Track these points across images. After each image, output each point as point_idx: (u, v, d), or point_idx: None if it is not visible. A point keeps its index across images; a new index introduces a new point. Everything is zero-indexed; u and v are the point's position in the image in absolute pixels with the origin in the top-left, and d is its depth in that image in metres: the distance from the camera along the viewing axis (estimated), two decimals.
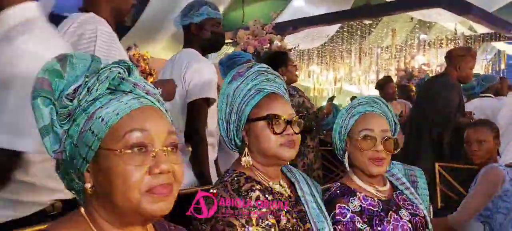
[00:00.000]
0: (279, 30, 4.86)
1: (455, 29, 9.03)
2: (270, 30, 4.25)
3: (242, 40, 4.10)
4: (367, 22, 9.07)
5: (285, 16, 7.67)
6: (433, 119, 3.39)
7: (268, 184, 1.36)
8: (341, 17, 7.87)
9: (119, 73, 0.85)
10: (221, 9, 6.89)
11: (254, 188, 1.29)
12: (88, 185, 0.83)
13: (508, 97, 3.93)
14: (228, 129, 1.40)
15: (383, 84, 5.27)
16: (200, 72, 2.18)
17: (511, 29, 7.71)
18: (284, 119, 1.33)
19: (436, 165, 2.87)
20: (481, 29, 8.50)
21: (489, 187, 2.29)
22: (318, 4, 8.04)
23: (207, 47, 2.31)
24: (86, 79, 0.83)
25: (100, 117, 0.82)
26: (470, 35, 9.20)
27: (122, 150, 0.80)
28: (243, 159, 1.36)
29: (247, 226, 1.20)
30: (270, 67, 1.46)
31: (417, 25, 9.44)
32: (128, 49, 4.56)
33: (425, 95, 3.73)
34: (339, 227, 1.47)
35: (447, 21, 8.39)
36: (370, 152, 1.54)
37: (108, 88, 0.84)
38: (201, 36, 2.26)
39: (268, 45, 4.13)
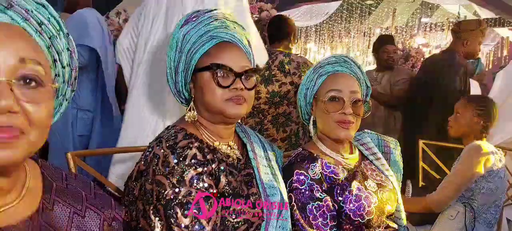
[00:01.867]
0: (273, 1, 4.63)
1: (458, 13, 8.77)
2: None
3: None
4: (368, 2, 8.81)
5: None
6: (434, 102, 3.18)
7: (213, 143, 1.20)
8: None
9: None
10: None
11: (191, 145, 1.12)
12: None
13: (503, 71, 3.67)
14: (176, 79, 1.23)
15: (378, 47, 4.07)
16: None
17: None
18: (233, 71, 1.16)
19: (420, 142, 2.70)
20: (485, 14, 8.26)
21: (471, 167, 2.12)
22: None
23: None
24: None
25: None
26: (474, 19, 8.95)
27: None
28: (188, 113, 1.21)
29: (178, 186, 1.05)
30: (231, 14, 1.28)
31: (419, 7, 9.17)
32: (118, 13, 4.41)
33: (427, 74, 3.43)
34: (295, 195, 1.32)
35: (450, 4, 8.14)
36: (337, 114, 1.39)
37: None
38: None
39: (258, 14, 3.91)
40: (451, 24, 8.88)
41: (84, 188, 0.86)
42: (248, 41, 1.29)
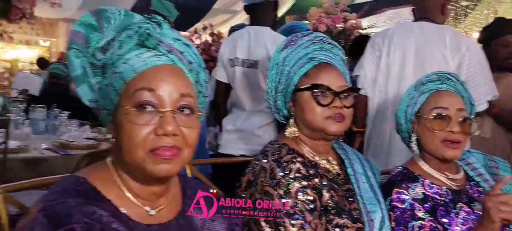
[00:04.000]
0: (358, 10, 4.49)
1: None
2: (344, 8, 3.93)
3: (314, 18, 3.82)
4: (464, 3, 8.18)
5: None
6: None
7: (313, 158, 1.23)
8: None
9: (147, 29, 0.82)
10: None
11: (295, 160, 1.17)
12: (110, 136, 0.85)
13: None
14: (276, 98, 1.29)
15: (491, 37, 2.63)
16: None
17: None
18: (332, 91, 1.19)
19: None
20: None
21: None
22: None
23: (272, 26, 2.33)
24: (118, 34, 0.83)
25: (120, 71, 0.81)
26: None
27: (130, 107, 0.78)
28: (288, 129, 1.25)
29: (285, 198, 1.10)
30: (327, 37, 1.32)
31: None
32: (204, 28, 4.62)
33: None
34: (395, 214, 1.27)
35: None
36: (443, 132, 1.30)
37: (136, 44, 0.82)
38: (272, 15, 2.31)
39: (342, 24, 3.82)
40: None
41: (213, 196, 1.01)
42: (343, 61, 1.31)
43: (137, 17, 0.86)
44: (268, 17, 2.30)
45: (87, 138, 2.98)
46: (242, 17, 7.12)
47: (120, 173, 0.85)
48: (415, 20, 2.11)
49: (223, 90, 2.36)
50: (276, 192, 1.10)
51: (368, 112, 2.14)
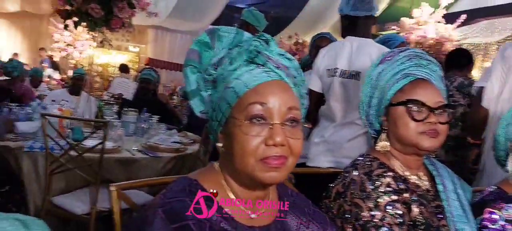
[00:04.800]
0: (452, 20, 4.29)
1: None
2: (438, 18, 3.78)
3: (405, 28, 3.73)
4: None
5: (460, 6, 6.79)
6: None
7: (403, 173, 1.21)
8: None
9: (256, 46, 0.86)
10: None
11: (385, 174, 1.17)
12: (219, 145, 0.89)
13: None
14: (369, 112, 1.29)
15: None
16: None
17: None
18: (427, 106, 1.17)
19: None
20: None
21: None
22: None
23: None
24: (229, 51, 0.88)
25: (233, 86, 0.85)
26: None
27: (243, 120, 0.82)
28: (380, 143, 1.25)
29: (374, 210, 1.10)
30: (425, 53, 1.29)
31: None
32: (290, 37, 4.69)
33: None
34: None
35: None
36: None
37: (246, 60, 0.86)
38: (371, 29, 2.26)
39: (434, 35, 3.69)
40: None
41: (306, 204, 1.04)
42: (441, 77, 1.28)
43: (246, 35, 0.91)
44: (369, 30, 2.24)
45: (174, 142, 3.03)
46: (326, 27, 7.09)
47: (226, 178, 0.90)
48: None
49: (316, 100, 2.29)
50: (365, 204, 1.11)
51: (486, 126, 2.02)
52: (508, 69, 2.02)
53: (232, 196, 0.89)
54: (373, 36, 2.50)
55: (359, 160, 1.25)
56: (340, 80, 2.18)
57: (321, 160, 2.18)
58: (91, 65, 7.85)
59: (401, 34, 3.76)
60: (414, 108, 1.18)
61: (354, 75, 2.14)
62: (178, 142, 3.07)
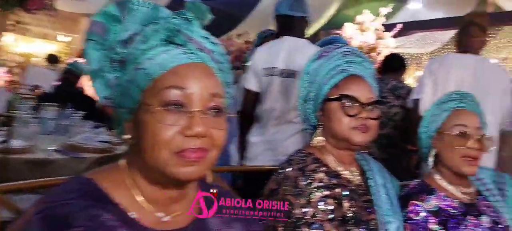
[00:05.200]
0: (389, 30, 4.55)
1: None
2: (378, 27, 4.00)
3: (348, 34, 3.91)
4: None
5: (399, 18, 7.19)
6: None
7: (336, 168, 1.24)
8: (458, 23, 7.12)
9: (176, 24, 0.74)
10: (335, 6, 6.72)
11: (318, 170, 1.18)
12: (127, 137, 0.76)
13: None
14: (306, 107, 1.30)
15: None
16: None
17: None
18: (360, 102, 1.20)
19: None
20: None
21: None
22: (434, 8, 7.39)
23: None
24: (143, 28, 0.74)
25: (145, 67, 0.72)
26: None
27: (157, 106, 0.70)
28: (315, 138, 1.27)
29: (306, 207, 1.11)
30: (359, 50, 1.33)
31: None
32: (240, 35, 4.69)
33: None
34: (411, 225, 1.30)
35: None
36: (463, 149, 1.34)
37: (163, 40, 0.74)
38: (303, 28, 2.26)
39: (374, 42, 3.89)
40: None
41: (231, 201, 0.90)
42: (372, 74, 1.32)
43: (165, 12, 0.77)
44: (303, 32, 2.25)
45: (102, 141, 2.61)
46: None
47: (134, 176, 0.77)
48: (459, 52, 2.52)
49: (253, 99, 2.25)
50: (297, 201, 1.10)
51: None
52: (434, 82, 2.34)
53: (138, 197, 0.76)
54: (315, 40, 2.55)
55: (294, 155, 1.25)
56: (279, 79, 2.16)
57: (261, 160, 2.16)
58: (7, 53, 6.80)
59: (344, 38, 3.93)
60: (347, 103, 1.20)
61: (292, 74, 2.14)
62: (107, 141, 2.63)
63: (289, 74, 2.14)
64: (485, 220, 1.35)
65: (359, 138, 1.20)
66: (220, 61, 0.79)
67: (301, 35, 2.23)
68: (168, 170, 0.71)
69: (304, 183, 1.13)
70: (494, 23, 7.00)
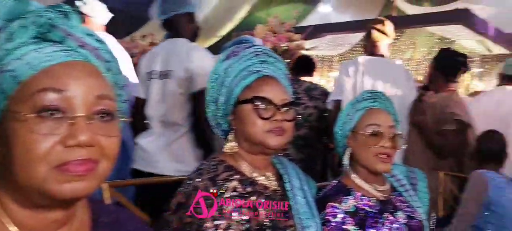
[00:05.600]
0: (301, 32, 4.66)
1: (473, 48, 8.65)
2: (290, 29, 4.06)
3: (260, 35, 3.91)
4: None
5: (310, 21, 7.48)
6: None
7: (251, 175, 1.18)
8: (364, 26, 7.62)
9: (50, 19, 0.64)
10: (247, 8, 6.78)
11: (231, 178, 1.11)
12: None
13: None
14: (216, 111, 1.22)
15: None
16: (204, 61, 2.08)
17: None
18: (274, 104, 1.15)
19: (440, 173, 2.63)
20: (497, 50, 8.13)
21: (473, 194, 2.16)
22: (343, 11, 7.84)
23: (193, 38, 2.26)
24: (7, 23, 0.64)
25: (11, 69, 0.62)
26: (486, 55, 8.81)
27: (29, 113, 0.60)
28: (227, 144, 1.19)
29: (218, 219, 1.03)
30: (271, 50, 1.28)
31: (437, 41, 9.10)
32: (144, 37, 4.50)
33: None
34: (328, 228, 1.29)
35: (465, 39, 8.05)
36: (376, 148, 1.37)
37: (34, 37, 0.64)
38: (191, 27, 2.23)
39: (287, 43, 3.94)
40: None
41: (132, 222, 0.83)
42: (286, 74, 1.28)
43: (35, 4, 0.67)
44: (184, 29, 2.21)
45: None
46: None
47: (2, 198, 0.65)
48: (369, 55, 2.76)
49: (141, 105, 2.25)
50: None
51: None
52: (353, 85, 2.55)
53: (11, 227, 0.64)
54: (228, 42, 2.50)
55: (204, 164, 1.18)
56: (158, 82, 2.17)
57: (141, 164, 2.15)
58: None
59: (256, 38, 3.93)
60: (261, 106, 1.15)
61: (168, 74, 2.14)
62: None
63: (165, 75, 2.15)
64: (401, 216, 1.39)
65: (274, 141, 1.15)
66: (107, 60, 0.70)
67: (182, 32, 2.21)
68: (47, 188, 0.61)
69: (216, 193, 1.06)
70: (397, 26, 7.62)
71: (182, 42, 2.18)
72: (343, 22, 7.52)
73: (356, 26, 7.57)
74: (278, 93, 1.18)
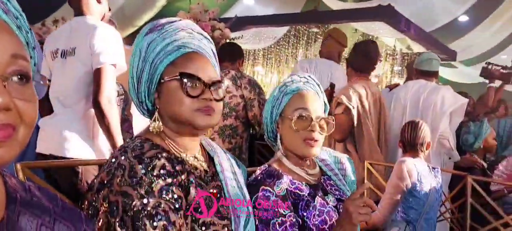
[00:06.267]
0: (225, 22, 4.59)
1: (394, 46, 9.24)
2: (214, 17, 3.97)
3: None
4: (314, 30, 9.07)
5: (234, 12, 7.43)
6: None
7: (180, 155, 1.14)
8: (288, 20, 7.80)
9: None
10: None
11: (159, 156, 1.06)
12: None
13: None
14: (139, 89, 1.16)
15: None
16: (108, 38, 2.06)
17: (446, 51, 7.99)
18: (203, 81, 1.12)
19: (366, 162, 2.76)
20: (417, 48, 8.77)
21: (396, 180, 2.31)
22: (267, 4, 7.91)
23: (101, 18, 2.25)
24: None
25: None
26: (407, 52, 9.47)
27: None
28: (152, 124, 1.14)
29: (146, 197, 0.98)
30: (197, 26, 1.24)
31: (360, 38, 9.58)
32: (55, 21, 4.21)
33: None
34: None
35: (387, 36, 8.57)
36: (304, 132, 1.39)
37: None
38: (99, 8, 2.22)
39: (210, 32, 3.85)
40: (388, 56, 9.36)
41: (50, 200, 0.79)
42: (214, 52, 1.25)
43: None
44: (91, 7, 2.18)
45: None
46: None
47: None
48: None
49: (48, 88, 2.22)
50: (136, 191, 0.98)
51: None
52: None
53: None
54: None
55: (128, 142, 1.12)
56: (60, 61, 2.15)
57: (42, 146, 2.12)
58: None
59: None
60: (189, 83, 1.11)
61: (70, 52, 2.12)
62: None
63: (69, 53, 2.13)
64: (331, 199, 1.45)
65: (203, 120, 1.12)
66: (16, 16, 0.66)
67: (84, 8, 2.18)
68: None
69: (143, 171, 1.01)
70: (322, 22, 7.90)
71: (87, 19, 2.15)
72: (268, 15, 7.58)
73: (280, 20, 7.70)
74: (207, 70, 1.15)
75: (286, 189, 1.37)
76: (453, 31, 8.36)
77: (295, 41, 9.44)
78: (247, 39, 7.85)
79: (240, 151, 2.98)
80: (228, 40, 4.01)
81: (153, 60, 1.13)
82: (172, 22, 1.17)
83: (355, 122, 2.80)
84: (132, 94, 1.19)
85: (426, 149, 2.46)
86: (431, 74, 3.32)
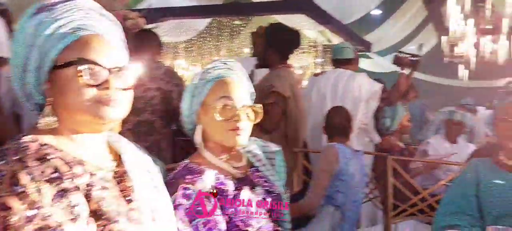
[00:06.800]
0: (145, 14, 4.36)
1: (315, 39, 9.54)
2: (126, 5, 3.74)
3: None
4: (236, 22, 9.06)
5: (151, 3, 7.14)
6: None
7: (76, 154, 0.98)
8: (210, 11, 7.69)
9: None
10: None
11: (51, 157, 0.91)
12: None
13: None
14: (25, 79, 1.00)
15: None
16: None
17: (362, 43, 8.42)
18: (104, 68, 0.97)
19: (294, 150, 2.80)
20: (337, 40, 9.14)
21: (325, 166, 2.35)
22: None
23: None
24: None
25: None
26: (327, 44, 9.83)
27: None
28: (43, 120, 0.98)
29: (34, 208, 0.83)
30: (97, 4, 1.07)
31: None
32: None
33: None
34: (181, 211, 1.19)
35: (309, 29, 8.80)
36: (230, 122, 1.31)
37: None
38: None
39: (122, 21, 3.62)
40: (310, 48, 9.65)
41: None
42: (120, 36, 1.11)
43: None
44: None
45: None
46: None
47: None
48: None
49: None
50: (20, 202, 0.83)
51: None
52: None
53: None
54: None
55: (9, 144, 0.94)
56: None
57: None
58: None
59: None
60: (87, 70, 0.96)
61: None
62: None
63: None
64: (259, 191, 1.38)
65: (106, 113, 0.98)
66: None
67: None
68: None
69: (29, 177, 0.86)
70: (243, 14, 7.90)
71: None
72: (188, 6, 7.39)
73: (201, 11, 7.56)
74: (109, 56, 1.01)
75: (210, 185, 1.28)
76: (368, 24, 8.87)
77: (218, 33, 9.37)
78: (167, 31, 7.60)
79: (159, 149, 2.76)
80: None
81: (43, 44, 0.97)
82: (66, 0, 1.01)
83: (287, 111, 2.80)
84: (17, 85, 1.02)
85: (350, 133, 2.56)
86: (346, 62, 3.53)
